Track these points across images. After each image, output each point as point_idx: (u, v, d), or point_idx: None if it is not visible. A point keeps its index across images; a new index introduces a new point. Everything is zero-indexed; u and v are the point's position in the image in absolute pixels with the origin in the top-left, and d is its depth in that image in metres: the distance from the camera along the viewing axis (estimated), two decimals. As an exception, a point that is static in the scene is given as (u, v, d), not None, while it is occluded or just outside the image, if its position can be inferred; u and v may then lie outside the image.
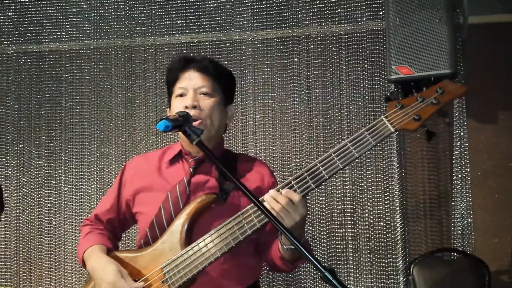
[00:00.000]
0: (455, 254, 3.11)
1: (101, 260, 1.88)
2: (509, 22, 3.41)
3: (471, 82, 3.30)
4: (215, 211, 1.85)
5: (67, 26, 3.75)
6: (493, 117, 3.39)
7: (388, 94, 1.59)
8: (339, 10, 3.40)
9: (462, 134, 3.21)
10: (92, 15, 3.72)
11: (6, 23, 3.79)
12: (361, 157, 3.26)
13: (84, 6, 3.74)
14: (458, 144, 3.21)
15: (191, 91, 1.93)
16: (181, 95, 1.94)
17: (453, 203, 3.21)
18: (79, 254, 2.00)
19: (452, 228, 3.19)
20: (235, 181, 1.56)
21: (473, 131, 3.33)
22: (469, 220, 3.17)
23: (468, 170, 3.20)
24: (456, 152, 3.21)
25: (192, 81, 1.94)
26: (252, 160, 2.09)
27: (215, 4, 3.60)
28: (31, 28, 3.78)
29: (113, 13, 3.71)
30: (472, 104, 3.33)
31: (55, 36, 3.76)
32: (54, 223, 3.63)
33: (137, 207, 2.01)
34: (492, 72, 3.36)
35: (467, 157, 3.20)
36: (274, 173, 3.28)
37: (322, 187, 3.34)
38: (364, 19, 3.38)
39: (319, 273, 1.39)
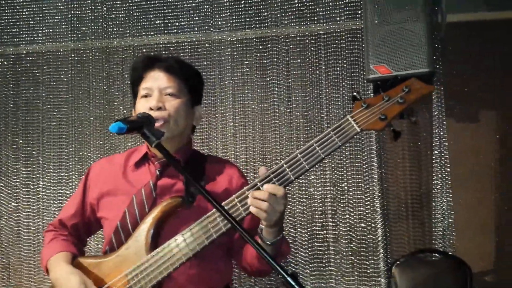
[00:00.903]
0: (437, 255, 3.08)
1: (65, 270, 1.84)
2: (492, 20, 3.39)
3: (453, 81, 3.29)
4: (182, 214, 1.81)
5: (44, 28, 3.70)
6: (475, 116, 3.37)
7: (355, 94, 1.55)
8: (317, 9, 3.37)
9: (441, 133, 3.19)
10: (69, 16, 3.67)
11: (-18, 25, 3.74)
12: (342, 158, 3.27)
13: (61, 7, 3.68)
14: (438, 143, 3.18)
15: (156, 91, 1.88)
16: (146, 96, 1.90)
17: (433, 204, 3.18)
18: (42, 262, 1.95)
19: (433, 229, 3.17)
20: (197, 186, 1.53)
21: (456, 131, 3.30)
22: (450, 220, 3.14)
23: (449, 170, 3.17)
24: (435, 152, 3.18)
25: (157, 81, 1.90)
26: (222, 162, 2.05)
27: (194, 4, 3.56)
28: (8, 30, 3.72)
29: (90, 14, 3.66)
30: (454, 104, 3.30)
31: (32, 38, 3.70)
32: (33, 228, 3.57)
33: (102, 211, 1.97)
34: (474, 71, 3.34)
35: (447, 156, 3.18)
36: (255, 174, 3.27)
37: (303, 188, 3.31)
38: (343, 18, 3.34)
39: (280, 277, 1.36)
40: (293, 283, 1.36)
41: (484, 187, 3.28)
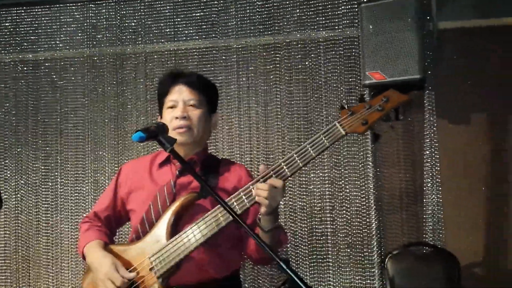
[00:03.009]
0: (427, 248, 3.29)
1: (98, 254, 2.12)
2: (482, 26, 3.55)
3: (445, 85, 3.47)
4: (197, 207, 2.08)
5: (61, 36, 3.93)
6: (466, 118, 3.55)
7: (342, 103, 1.80)
8: (317, 18, 3.59)
9: (432, 135, 3.38)
10: (85, 24, 3.90)
11: (3, 33, 3.97)
12: (340, 158, 3.49)
13: (77, 16, 3.91)
14: (429, 144, 3.39)
15: (180, 103, 2.18)
16: (171, 107, 2.20)
17: (424, 200, 3.39)
18: (79, 249, 2.24)
19: (424, 224, 3.38)
20: (206, 186, 1.79)
21: (448, 132, 3.49)
22: (440, 216, 3.34)
23: (439, 169, 3.37)
24: (427, 152, 3.38)
25: (181, 94, 2.19)
26: (233, 164, 2.34)
27: (201, 13, 3.78)
28: (27, 38, 3.95)
29: (104, 22, 3.89)
30: (446, 107, 3.49)
31: (50, 45, 3.94)
32: (51, 222, 3.82)
33: (130, 205, 2.25)
34: (465, 75, 3.50)
35: (438, 157, 3.37)
36: (258, 172, 3.50)
37: (303, 186, 3.55)
38: (341, 26, 3.56)
39: (274, 263, 1.59)
40: (284, 267, 1.59)
41: (474, 186, 3.46)
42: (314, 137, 1.89)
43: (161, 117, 2.26)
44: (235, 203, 1.95)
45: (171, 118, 2.16)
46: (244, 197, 1.95)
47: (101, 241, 2.18)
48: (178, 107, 2.18)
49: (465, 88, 3.51)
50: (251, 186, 1.95)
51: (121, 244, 2.23)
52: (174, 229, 2.05)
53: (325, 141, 1.86)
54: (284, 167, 1.91)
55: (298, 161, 1.89)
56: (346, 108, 1.82)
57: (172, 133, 2.08)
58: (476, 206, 3.46)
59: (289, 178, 1.93)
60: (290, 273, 1.57)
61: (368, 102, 1.80)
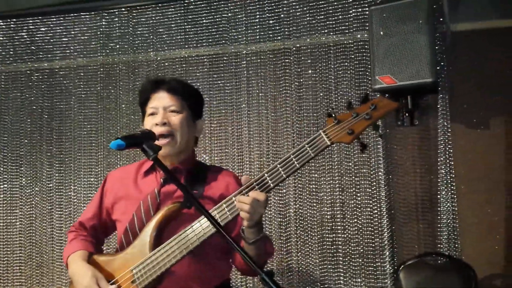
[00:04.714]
0: (442, 258, 3.15)
1: (80, 265, 2.09)
2: (497, 28, 3.42)
3: (460, 88, 3.35)
4: (183, 217, 2.02)
5: (75, 44, 3.98)
6: (483, 123, 3.41)
7: (329, 111, 1.72)
8: (327, 22, 3.51)
9: (447, 140, 3.26)
10: (98, 33, 3.94)
11: (19, 42, 4.04)
12: (350, 165, 3.39)
13: (91, 25, 3.96)
14: (443, 150, 3.26)
15: (161, 109, 2.13)
16: (152, 114, 2.15)
17: (438, 208, 3.26)
18: (64, 259, 2.21)
19: (438, 233, 3.24)
20: (190, 196, 1.73)
21: (462, 137, 3.35)
22: (455, 225, 3.21)
23: (453, 176, 3.24)
24: (441, 159, 3.26)
25: (161, 101, 2.15)
26: (221, 171, 2.27)
27: (212, 20, 3.76)
28: (43, 47, 4.01)
29: (117, 30, 3.92)
30: (461, 110, 3.36)
31: (64, 54, 3.99)
32: (64, 229, 3.83)
33: (115, 214, 2.21)
34: (481, 78, 3.38)
35: (452, 163, 3.25)
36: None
37: (313, 193, 3.46)
38: (352, 30, 3.47)
39: (258, 275, 1.52)
40: (267, 280, 1.52)
41: (492, 192, 3.31)
42: (298, 147, 1.81)
43: (143, 126, 2.21)
44: (217, 215, 1.89)
45: (151, 125, 2.11)
46: (226, 209, 1.89)
47: (85, 252, 2.15)
48: (159, 113, 2.13)
49: (481, 91, 3.37)
50: (233, 198, 1.89)
51: (105, 254, 2.19)
52: (157, 240, 2.00)
53: (310, 151, 1.78)
54: (268, 178, 1.84)
55: (282, 172, 1.82)
56: (333, 116, 1.73)
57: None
58: (495, 214, 3.30)
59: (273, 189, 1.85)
60: (273, 287, 1.50)
61: (355, 110, 1.71)
